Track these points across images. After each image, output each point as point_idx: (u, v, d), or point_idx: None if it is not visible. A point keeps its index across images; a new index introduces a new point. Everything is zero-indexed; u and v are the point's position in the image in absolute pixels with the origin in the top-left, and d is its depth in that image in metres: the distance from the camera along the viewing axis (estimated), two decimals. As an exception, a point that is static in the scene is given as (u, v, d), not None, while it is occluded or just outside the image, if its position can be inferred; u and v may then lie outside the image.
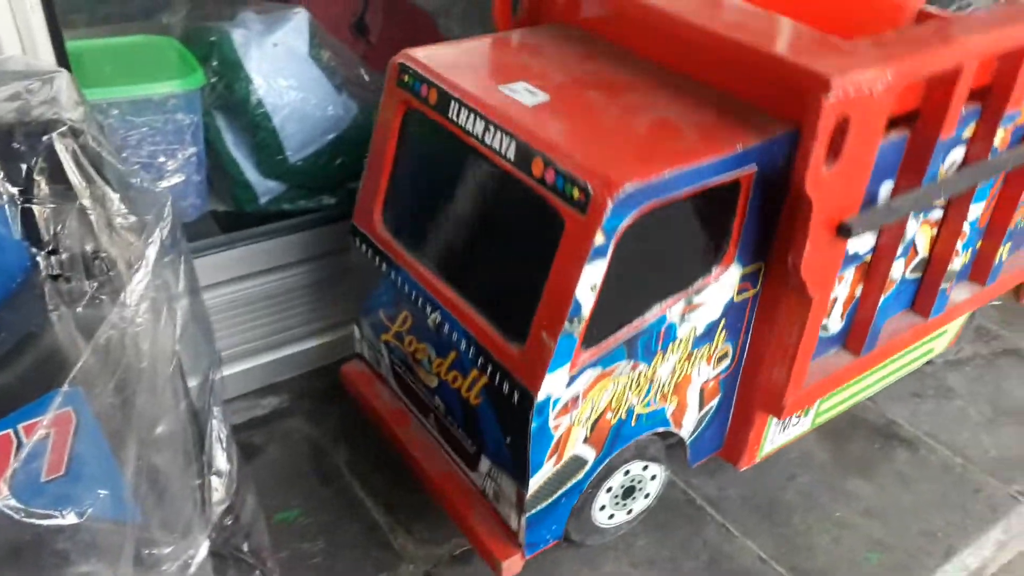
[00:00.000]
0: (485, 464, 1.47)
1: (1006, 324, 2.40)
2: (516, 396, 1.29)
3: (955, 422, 2.05)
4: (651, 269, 1.31)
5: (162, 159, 1.63)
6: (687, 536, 1.72)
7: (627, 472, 1.57)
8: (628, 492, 1.62)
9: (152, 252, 0.96)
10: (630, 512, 1.66)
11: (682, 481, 1.82)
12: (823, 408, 1.82)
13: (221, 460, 1.21)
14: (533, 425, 1.28)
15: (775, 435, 1.73)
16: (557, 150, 1.21)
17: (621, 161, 1.19)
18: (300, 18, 1.85)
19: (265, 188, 1.84)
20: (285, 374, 1.95)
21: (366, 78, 1.95)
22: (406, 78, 1.48)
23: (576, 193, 1.17)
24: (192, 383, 1.16)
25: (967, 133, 1.52)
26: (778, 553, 1.69)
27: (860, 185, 1.29)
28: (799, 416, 1.76)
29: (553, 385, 1.26)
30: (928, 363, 2.18)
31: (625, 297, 1.29)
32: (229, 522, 1.21)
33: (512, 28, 1.69)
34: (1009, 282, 1.95)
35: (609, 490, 1.57)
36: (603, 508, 1.59)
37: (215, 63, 1.77)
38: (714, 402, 1.58)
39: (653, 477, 1.64)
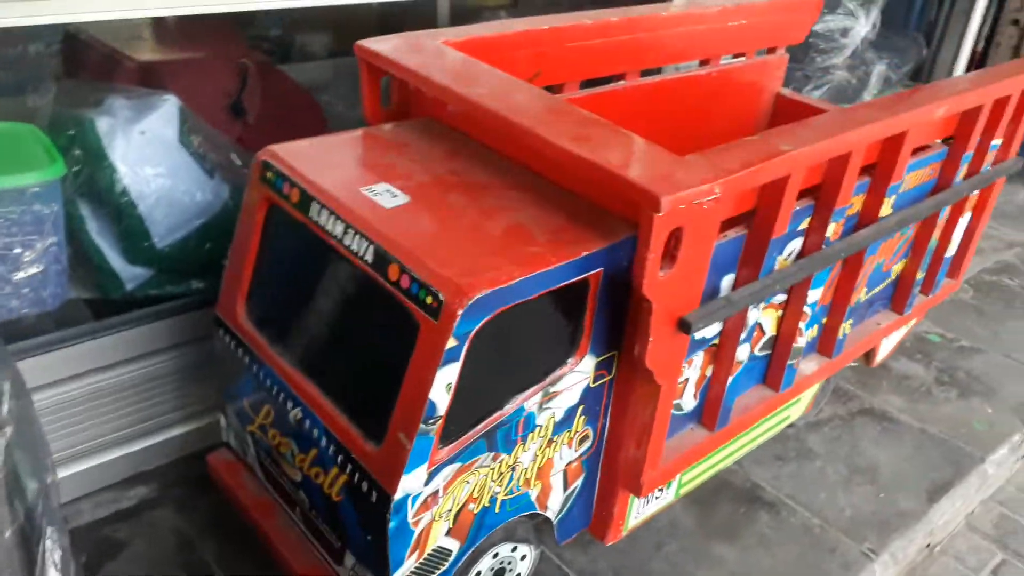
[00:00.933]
0: (350, 560, 1.47)
1: (861, 385, 2.58)
2: (374, 495, 1.31)
3: (814, 483, 2.17)
4: (507, 364, 1.36)
5: (18, 250, 1.58)
6: (559, 612, 1.76)
7: (496, 555, 1.60)
8: (499, 574, 1.65)
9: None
10: (502, 593, 1.69)
11: (555, 555, 1.86)
12: (686, 479, 1.90)
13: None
14: (391, 524, 1.30)
15: (640, 508, 1.80)
16: (412, 257, 1.25)
17: (473, 269, 1.24)
18: (169, 105, 1.84)
19: (131, 274, 1.82)
20: (154, 462, 1.91)
21: (237, 162, 1.96)
22: (269, 175, 1.50)
23: (429, 300, 1.21)
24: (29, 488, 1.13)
25: (802, 226, 1.65)
26: None
27: (697, 284, 1.38)
28: (662, 489, 1.84)
29: (411, 484, 1.28)
30: (790, 426, 2.31)
31: (482, 393, 1.34)
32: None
33: (382, 121, 1.74)
34: (854, 353, 2.10)
35: (478, 575, 1.59)
36: (474, 591, 1.62)
37: (78, 151, 1.74)
38: (578, 482, 1.63)
39: (523, 557, 1.68)
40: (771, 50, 2.51)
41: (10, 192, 1.56)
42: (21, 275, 1.59)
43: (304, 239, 1.44)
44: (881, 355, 2.43)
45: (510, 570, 1.67)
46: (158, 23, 2.19)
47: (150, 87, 1.91)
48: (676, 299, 1.36)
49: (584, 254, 1.31)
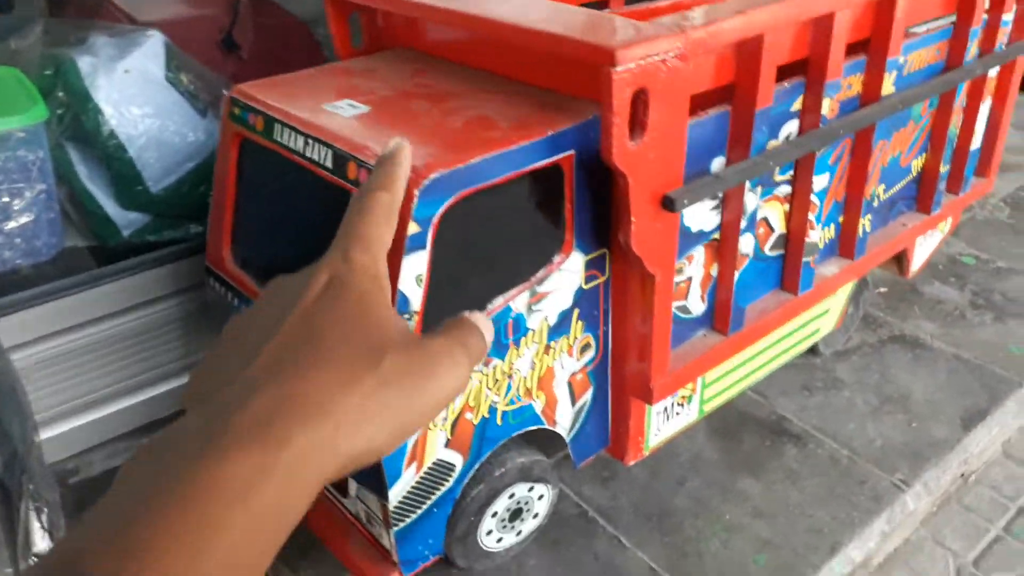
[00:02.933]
0: (353, 486, 1.43)
1: (891, 311, 2.45)
2: (361, 404, 1.26)
3: (842, 414, 2.06)
4: (487, 261, 1.32)
5: (7, 199, 1.57)
6: (579, 551, 1.68)
7: (512, 495, 1.54)
8: (516, 515, 1.59)
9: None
10: (519, 534, 1.63)
11: (574, 493, 1.79)
12: (708, 395, 1.81)
13: (41, 541, 1.15)
14: (381, 431, 1.25)
15: (660, 425, 1.72)
16: (367, 151, 1.22)
17: (430, 154, 1.20)
18: (154, 41, 1.80)
19: (127, 220, 1.79)
20: (166, 410, 1.88)
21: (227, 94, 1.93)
22: (236, 111, 1.49)
23: (387, 188, 1.18)
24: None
25: (796, 106, 1.57)
26: (669, 563, 1.67)
27: (677, 158, 1.32)
28: (683, 404, 1.76)
29: (395, 387, 1.24)
30: (816, 354, 2.20)
31: (462, 291, 1.29)
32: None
33: (354, 57, 1.72)
34: (880, 256, 1.99)
35: (495, 515, 1.53)
36: (490, 533, 1.56)
37: (60, 93, 1.71)
38: (587, 395, 1.57)
39: (540, 497, 1.61)
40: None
41: None
42: (12, 224, 1.58)
43: (274, 166, 1.43)
44: (916, 265, 2.30)
45: (527, 509, 1.61)
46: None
47: (136, 24, 1.88)
48: (655, 174, 1.29)
49: (550, 133, 1.26)
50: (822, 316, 2.07)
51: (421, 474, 1.35)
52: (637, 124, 1.23)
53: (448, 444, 1.36)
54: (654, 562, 1.67)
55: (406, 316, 1.21)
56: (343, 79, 1.55)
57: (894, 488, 1.86)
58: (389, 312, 0.54)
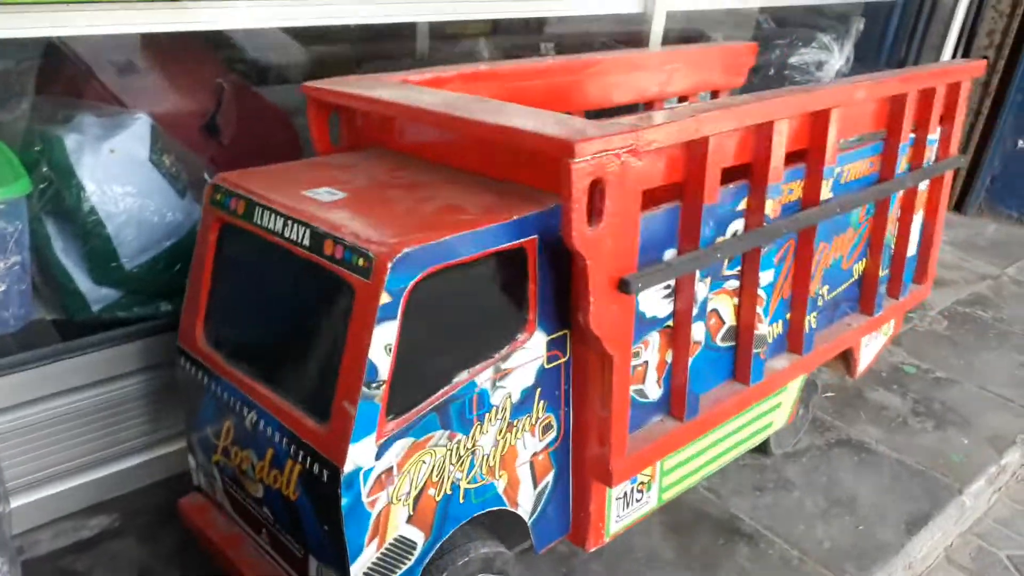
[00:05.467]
0: (313, 565, 1.42)
1: (839, 415, 2.56)
2: (325, 474, 1.29)
3: (793, 514, 2.11)
4: (454, 336, 1.38)
5: None
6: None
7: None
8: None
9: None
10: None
11: (533, 579, 1.79)
12: (667, 483, 1.85)
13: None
14: (344, 501, 1.27)
15: (620, 511, 1.74)
16: (344, 229, 1.30)
17: (403, 233, 1.28)
18: (140, 124, 1.85)
19: (98, 296, 1.80)
20: (118, 491, 1.85)
21: (210, 182, 1.98)
22: (218, 196, 1.57)
23: (361, 261, 1.25)
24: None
25: (741, 206, 1.70)
26: None
27: (631, 245, 1.42)
28: (643, 491, 1.79)
29: (359, 455, 1.27)
30: (768, 455, 2.27)
31: (429, 364, 1.34)
32: None
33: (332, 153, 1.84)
34: (827, 353, 2.09)
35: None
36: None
37: (45, 169, 1.75)
38: (548, 478, 1.60)
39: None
40: (714, 94, 2.65)
41: None
42: None
43: (252, 249, 1.50)
44: (862, 365, 2.41)
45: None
46: (133, 41, 2.19)
47: (123, 106, 1.92)
48: (612, 259, 1.39)
49: (515, 217, 1.36)
50: (775, 410, 2.14)
51: (382, 550, 1.35)
52: (594, 211, 1.33)
53: (410, 520, 1.38)
54: None
55: (374, 384, 1.25)
56: (323, 171, 1.65)
57: None
58: None
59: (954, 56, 4.26)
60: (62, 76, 2.02)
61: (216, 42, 2.40)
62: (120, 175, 1.80)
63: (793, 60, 3.40)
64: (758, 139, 1.64)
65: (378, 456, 1.29)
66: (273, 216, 1.43)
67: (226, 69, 2.40)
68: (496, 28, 3.03)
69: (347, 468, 1.26)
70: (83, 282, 1.81)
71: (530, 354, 1.46)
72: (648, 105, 2.45)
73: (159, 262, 1.87)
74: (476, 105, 1.49)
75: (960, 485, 2.27)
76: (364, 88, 1.69)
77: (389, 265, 1.22)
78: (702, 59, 2.55)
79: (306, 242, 1.35)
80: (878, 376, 2.76)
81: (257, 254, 1.50)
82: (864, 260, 2.18)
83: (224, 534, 1.67)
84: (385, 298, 1.23)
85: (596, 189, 1.32)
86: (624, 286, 1.40)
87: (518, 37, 3.05)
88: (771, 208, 1.71)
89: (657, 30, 2.64)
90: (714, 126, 1.49)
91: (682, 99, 2.56)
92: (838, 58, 3.53)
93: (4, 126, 1.88)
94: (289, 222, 1.39)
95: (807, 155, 1.81)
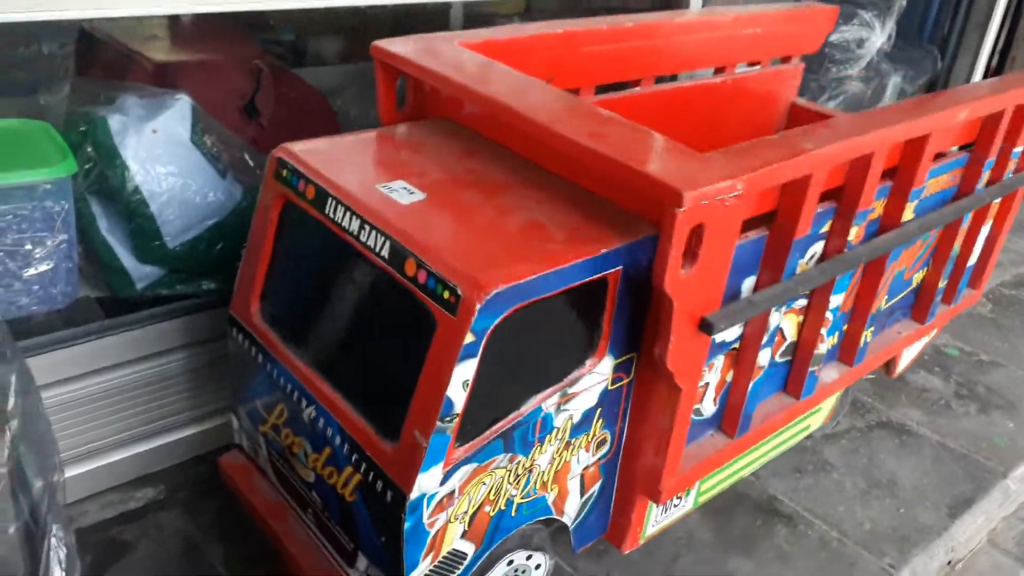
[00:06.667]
0: (363, 562, 1.44)
1: (879, 397, 2.53)
2: (389, 495, 1.28)
3: (832, 496, 2.12)
4: (525, 363, 1.34)
5: (29, 246, 1.58)
6: (572, 623, 1.72)
7: (511, 562, 1.57)
8: (513, 582, 1.61)
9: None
10: (515, 603, 1.66)
11: (568, 566, 1.82)
12: (704, 488, 1.86)
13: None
14: (407, 524, 1.27)
15: (658, 517, 1.76)
16: (429, 252, 1.24)
17: (491, 264, 1.22)
18: (182, 104, 1.84)
19: (141, 273, 1.80)
20: (163, 464, 1.88)
21: (251, 163, 1.95)
22: (284, 173, 1.49)
23: (447, 295, 1.19)
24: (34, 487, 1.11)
25: (824, 228, 1.63)
26: None
27: (719, 284, 1.36)
28: (680, 497, 1.80)
29: (427, 483, 1.26)
30: (807, 437, 2.27)
31: (499, 392, 1.31)
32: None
33: (397, 122, 1.73)
34: (875, 362, 2.07)
35: (493, 582, 1.56)
36: (487, 601, 1.58)
37: (90, 149, 1.74)
38: (595, 487, 1.60)
39: (538, 567, 1.64)
40: (786, 59, 2.49)
41: (21, 188, 1.57)
42: (31, 272, 1.58)
43: (319, 237, 1.43)
44: (901, 366, 2.39)
45: (524, 579, 1.64)
46: (173, 23, 2.19)
47: (164, 87, 1.91)
48: (697, 299, 1.34)
49: (603, 251, 1.29)
50: (814, 414, 2.14)
51: (436, 563, 1.37)
52: (689, 254, 1.27)
53: (464, 535, 1.39)
54: None
55: (448, 419, 1.23)
56: (391, 152, 1.57)
57: (883, 573, 1.91)
58: None
59: (999, 35, 4.03)
60: (102, 59, 2.01)
61: (252, 23, 2.37)
62: (163, 155, 1.79)
63: (834, 38, 3.21)
64: (854, 167, 1.55)
65: (443, 482, 1.28)
66: (348, 214, 1.36)
67: (263, 51, 2.38)
68: (528, 7, 2.88)
69: (413, 495, 1.25)
70: (127, 260, 1.81)
71: (597, 378, 1.43)
72: (720, 70, 2.31)
73: (201, 241, 1.85)
74: (576, 120, 1.38)
75: (1004, 469, 2.28)
76: (441, 62, 1.57)
77: (477, 307, 1.16)
78: (781, 23, 2.39)
79: (385, 254, 1.29)
80: (920, 359, 2.72)
81: (325, 243, 1.43)
82: (926, 270, 2.13)
83: (267, 502, 1.68)
84: (469, 338, 1.18)
85: (695, 233, 1.25)
86: (706, 327, 1.36)
87: (551, 15, 2.94)
88: (855, 233, 1.64)
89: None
90: (820, 163, 1.40)
91: (752, 64, 2.42)
92: (879, 35, 3.34)
93: (49, 109, 1.85)
94: (367, 227, 1.32)
95: (896, 176, 1.72)
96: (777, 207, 1.47)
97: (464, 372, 1.21)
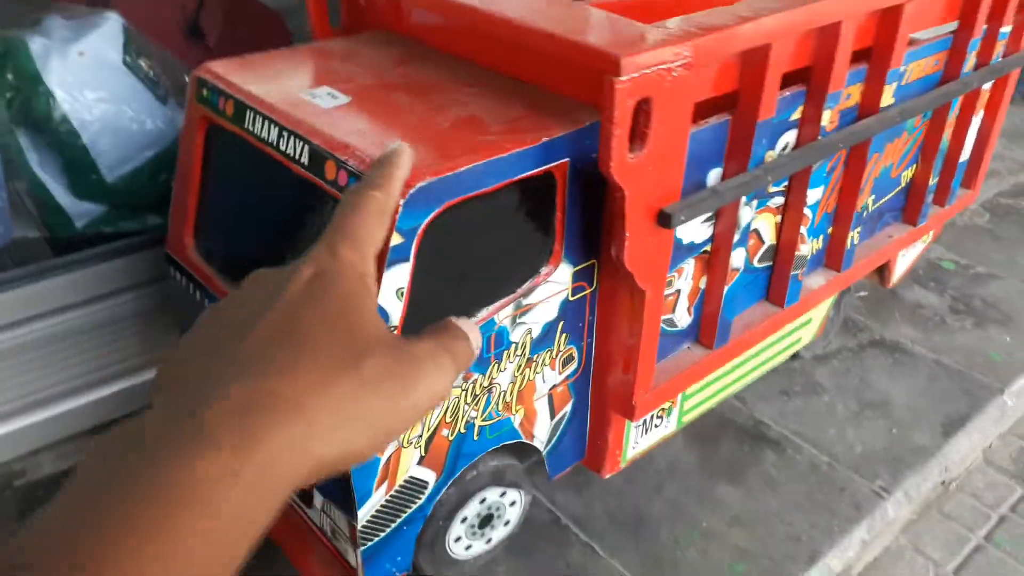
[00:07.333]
0: (318, 499, 1.36)
1: (872, 315, 2.42)
2: (331, 420, 1.19)
3: (822, 419, 2.03)
4: (471, 272, 1.24)
5: None
6: (551, 560, 1.63)
7: (483, 500, 1.48)
8: (486, 521, 1.53)
9: None
10: (489, 541, 1.57)
11: (547, 499, 1.74)
12: (688, 407, 1.77)
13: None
14: (351, 450, 1.18)
15: (638, 438, 1.67)
16: (348, 151, 1.13)
17: (416, 158, 1.11)
18: (111, 24, 1.70)
19: (81, 211, 1.69)
20: (117, 412, 1.78)
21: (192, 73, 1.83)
22: (204, 92, 1.38)
23: (368, 194, 1.09)
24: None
25: (796, 115, 1.51)
26: (644, 571, 1.62)
27: (676, 171, 1.25)
28: (663, 417, 1.71)
29: (368, 404, 1.16)
30: (796, 358, 2.17)
31: (443, 303, 1.21)
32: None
33: (332, 37, 1.62)
34: (866, 267, 1.95)
35: (464, 520, 1.47)
36: (459, 539, 1.50)
37: (10, 76, 1.61)
38: (567, 408, 1.51)
39: (512, 503, 1.55)
40: None
41: None
42: None
43: (244, 156, 1.33)
44: (896, 275, 2.27)
45: (499, 516, 1.55)
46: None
47: (94, 6, 1.77)
48: (653, 188, 1.22)
49: (544, 140, 1.18)
50: (804, 326, 2.03)
51: (392, 493, 1.28)
52: (637, 135, 1.16)
53: (421, 461, 1.29)
54: (628, 570, 1.62)
55: (384, 331, 1.13)
56: (320, 62, 1.45)
57: (874, 495, 1.83)
58: (373, 313, 0.52)
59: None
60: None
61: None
62: (91, 80, 1.64)
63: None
64: (821, 41, 1.43)
65: (387, 403, 1.18)
66: (266, 123, 1.25)
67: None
68: None
69: (354, 417, 1.15)
70: (63, 197, 1.68)
71: (554, 288, 1.33)
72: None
73: (142, 173, 1.73)
74: (512, 3, 1.26)
75: (1001, 384, 2.18)
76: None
77: (399, 202, 1.06)
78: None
79: (304, 160, 1.18)
80: (914, 273, 2.62)
81: (251, 162, 1.33)
82: (915, 166, 2.00)
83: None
84: (396, 239, 1.08)
85: (641, 109, 1.14)
86: (664, 219, 1.25)
87: None
88: (828, 118, 1.51)
89: None
90: (779, 29, 1.27)
91: None
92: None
93: None
94: (285, 133, 1.22)
95: (871, 56, 1.59)
96: (737, 87, 1.35)
97: (396, 279, 1.10)
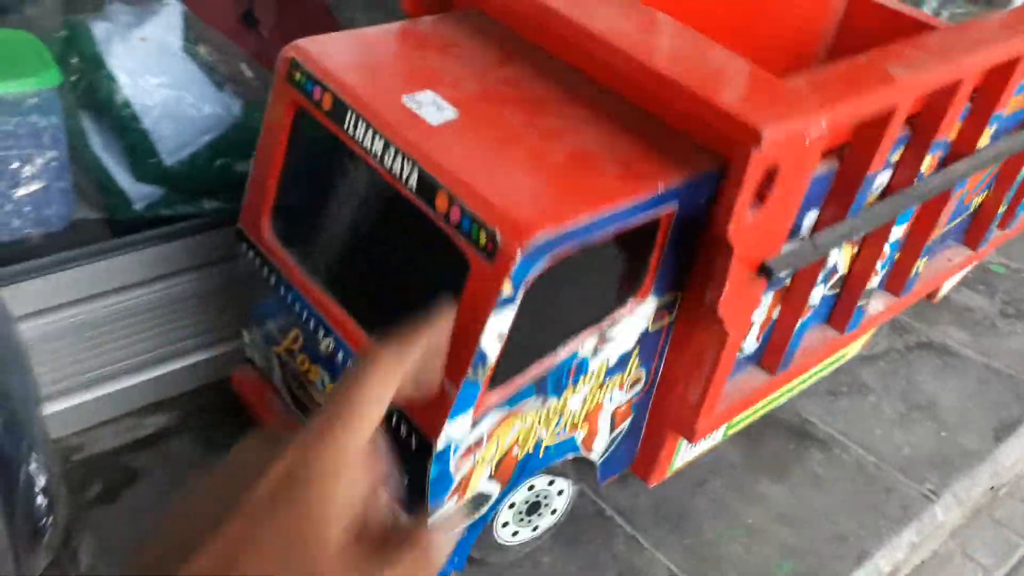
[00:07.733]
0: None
1: (919, 317, 2.42)
2: (414, 442, 1.20)
3: (869, 419, 2.04)
4: (563, 307, 1.23)
5: (16, 164, 1.46)
6: (596, 550, 1.68)
7: (531, 487, 1.51)
8: (533, 508, 1.57)
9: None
10: (536, 529, 1.62)
11: (593, 491, 1.78)
12: (735, 420, 1.79)
13: (42, 505, 1.10)
14: (432, 473, 1.20)
15: (687, 450, 1.70)
16: (464, 187, 1.09)
17: (535, 204, 1.08)
18: (172, 10, 1.69)
19: (140, 193, 1.67)
20: (175, 390, 1.80)
21: (249, 74, 1.78)
22: (297, 76, 1.32)
23: (483, 239, 1.06)
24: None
25: (894, 157, 1.47)
26: (688, 565, 1.67)
27: (784, 227, 1.22)
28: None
29: (455, 431, 1.17)
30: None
31: (535, 337, 1.21)
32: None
33: (422, 14, 1.53)
34: (922, 291, 1.95)
35: (512, 506, 1.51)
36: (506, 525, 1.54)
37: (75, 60, 1.60)
38: (625, 424, 1.53)
39: (560, 492, 1.59)
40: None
41: (3, 102, 1.43)
42: (22, 192, 1.48)
43: (338, 150, 1.28)
44: (943, 291, 2.27)
45: (546, 504, 1.59)
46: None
47: None
48: (759, 243, 1.20)
49: (660, 191, 1.14)
50: (853, 344, 2.04)
51: (461, 504, 1.31)
52: (758, 196, 1.13)
53: (491, 477, 1.32)
54: (673, 564, 1.65)
55: (480, 369, 1.12)
56: (419, 53, 1.38)
57: (923, 498, 1.85)
58: (335, 526, 0.49)
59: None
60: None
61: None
62: (152, 65, 1.63)
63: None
64: (937, 95, 1.37)
65: (471, 429, 1.20)
66: (370, 133, 1.20)
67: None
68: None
69: (439, 445, 1.17)
70: (124, 180, 1.65)
71: (637, 319, 1.32)
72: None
73: (199, 157, 1.70)
74: (632, 27, 1.20)
75: None
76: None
77: (519, 254, 1.03)
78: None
79: (412, 183, 1.15)
80: (963, 276, 2.60)
81: (345, 159, 1.28)
82: (986, 193, 1.97)
83: (282, 421, 1.61)
84: (508, 289, 1.06)
85: (767, 175, 1.10)
86: (766, 272, 1.23)
87: None
88: (928, 164, 1.48)
89: None
90: (907, 95, 1.22)
91: None
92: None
93: (34, 20, 1.67)
94: (391, 148, 1.17)
95: (977, 100, 1.54)
96: (851, 139, 1.31)
97: (499, 324, 1.09)
